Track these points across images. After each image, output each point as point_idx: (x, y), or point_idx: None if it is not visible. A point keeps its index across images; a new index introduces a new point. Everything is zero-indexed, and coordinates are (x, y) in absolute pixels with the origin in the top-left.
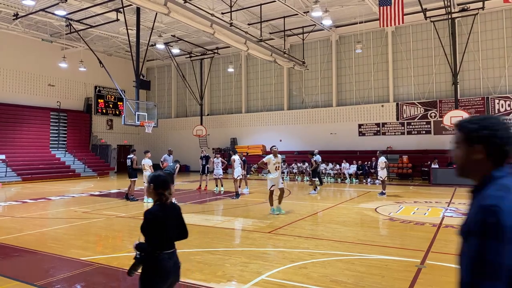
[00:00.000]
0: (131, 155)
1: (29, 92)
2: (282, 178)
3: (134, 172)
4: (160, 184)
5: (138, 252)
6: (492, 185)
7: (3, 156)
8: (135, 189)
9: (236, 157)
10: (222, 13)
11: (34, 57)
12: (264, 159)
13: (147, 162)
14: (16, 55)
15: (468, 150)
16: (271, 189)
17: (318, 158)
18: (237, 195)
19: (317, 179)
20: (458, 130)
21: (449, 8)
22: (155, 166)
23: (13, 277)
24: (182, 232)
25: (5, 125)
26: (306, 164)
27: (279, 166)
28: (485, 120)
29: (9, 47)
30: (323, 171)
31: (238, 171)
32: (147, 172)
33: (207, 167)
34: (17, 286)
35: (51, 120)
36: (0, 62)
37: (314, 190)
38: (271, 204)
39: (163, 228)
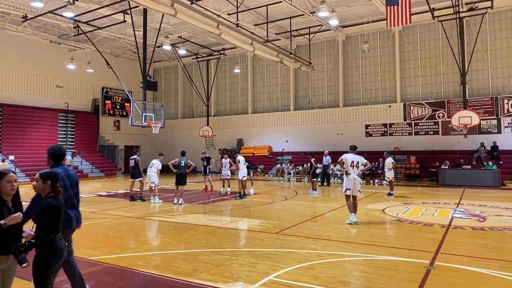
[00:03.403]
0: (135, 156)
1: (38, 93)
2: (289, 179)
3: (139, 172)
4: (56, 179)
5: (29, 241)
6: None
7: (12, 157)
8: (134, 189)
9: (241, 158)
10: (229, 14)
11: (42, 58)
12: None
13: (158, 165)
14: (25, 57)
15: (48, 161)
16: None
17: (328, 159)
18: (241, 196)
19: (317, 179)
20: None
21: (457, 8)
22: (164, 167)
23: (21, 276)
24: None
25: (14, 126)
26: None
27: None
28: (49, 148)
29: (17, 49)
30: (330, 171)
31: (243, 172)
32: (152, 172)
33: (209, 168)
34: (26, 285)
35: (59, 121)
36: (8, 64)
37: (315, 190)
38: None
39: (59, 215)
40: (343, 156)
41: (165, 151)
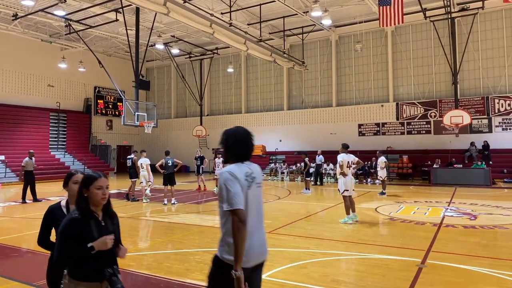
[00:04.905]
0: (132, 156)
1: (29, 92)
2: (282, 178)
3: (135, 172)
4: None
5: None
6: None
7: (2, 157)
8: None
9: None
10: (222, 13)
11: (33, 57)
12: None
13: (145, 161)
14: (16, 56)
15: None
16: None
17: (321, 158)
18: None
19: (311, 178)
20: None
21: (448, 8)
22: (152, 166)
23: (12, 277)
24: None
25: (5, 125)
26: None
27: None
28: None
29: (8, 47)
30: (323, 171)
31: None
32: (145, 172)
33: (202, 167)
34: (17, 286)
35: (50, 121)
36: None
37: (308, 189)
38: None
39: None
40: (342, 158)
41: (158, 151)
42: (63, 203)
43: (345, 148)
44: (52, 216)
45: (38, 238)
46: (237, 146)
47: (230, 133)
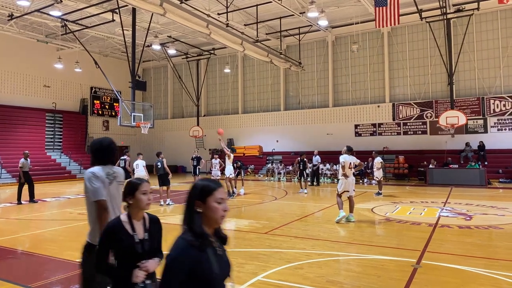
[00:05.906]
0: (125, 156)
1: (25, 93)
2: (279, 179)
3: (127, 173)
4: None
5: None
6: None
7: None
8: None
9: (232, 155)
10: (218, 14)
11: (29, 58)
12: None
13: (141, 162)
14: (11, 56)
15: None
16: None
17: (317, 158)
18: (229, 194)
19: (307, 178)
20: None
21: (444, 9)
22: (148, 168)
23: (7, 279)
24: None
25: (0, 126)
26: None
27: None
28: None
29: (4, 48)
30: (320, 171)
31: (229, 169)
32: (142, 172)
33: (199, 168)
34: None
35: (46, 121)
36: None
37: (304, 189)
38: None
39: None
40: (344, 159)
41: (154, 151)
42: (123, 217)
43: (349, 150)
44: (115, 235)
45: (96, 265)
46: (100, 152)
47: (96, 142)
